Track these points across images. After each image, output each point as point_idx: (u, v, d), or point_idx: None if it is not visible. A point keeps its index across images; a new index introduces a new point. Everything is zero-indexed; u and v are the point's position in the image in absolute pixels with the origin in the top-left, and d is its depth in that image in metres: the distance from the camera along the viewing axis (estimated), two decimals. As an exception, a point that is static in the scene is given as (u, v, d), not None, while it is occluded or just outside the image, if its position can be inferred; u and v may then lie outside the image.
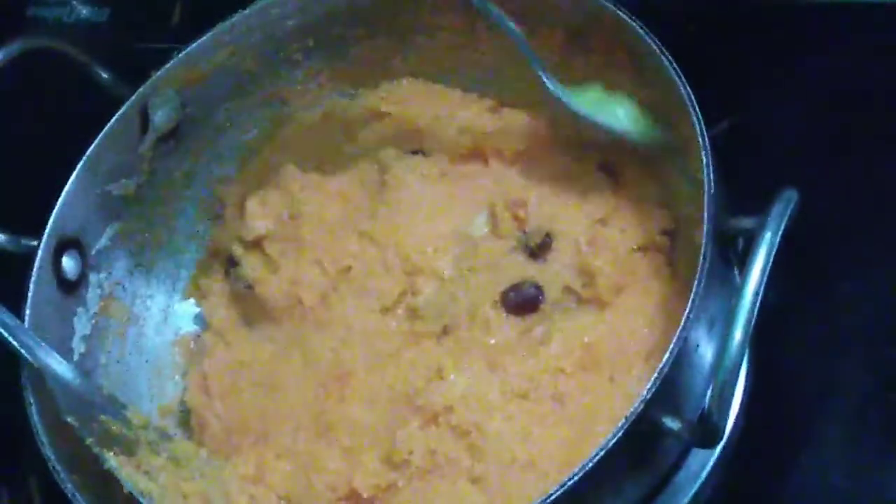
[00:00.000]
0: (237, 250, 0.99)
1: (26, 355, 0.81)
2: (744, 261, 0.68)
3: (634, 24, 0.84)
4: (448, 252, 0.92)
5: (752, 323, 0.66)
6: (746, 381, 0.87)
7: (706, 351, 0.76)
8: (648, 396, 0.68)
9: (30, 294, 0.86)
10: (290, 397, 0.90)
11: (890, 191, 0.92)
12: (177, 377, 0.98)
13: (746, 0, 1.00)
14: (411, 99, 1.01)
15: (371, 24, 1.00)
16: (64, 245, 0.90)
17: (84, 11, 1.21)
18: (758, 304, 0.66)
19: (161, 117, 0.95)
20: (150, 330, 0.99)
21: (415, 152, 0.99)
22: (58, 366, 0.81)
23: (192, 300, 1.02)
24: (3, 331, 0.81)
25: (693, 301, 0.71)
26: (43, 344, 0.82)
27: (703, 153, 0.76)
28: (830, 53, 0.97)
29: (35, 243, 0.88)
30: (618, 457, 0.68)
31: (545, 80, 0.86)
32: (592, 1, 0.87)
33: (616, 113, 0.87)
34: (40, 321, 0.85)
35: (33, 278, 0.86)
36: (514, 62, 0.99)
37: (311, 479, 0.86)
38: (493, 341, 0.88)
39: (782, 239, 0.68)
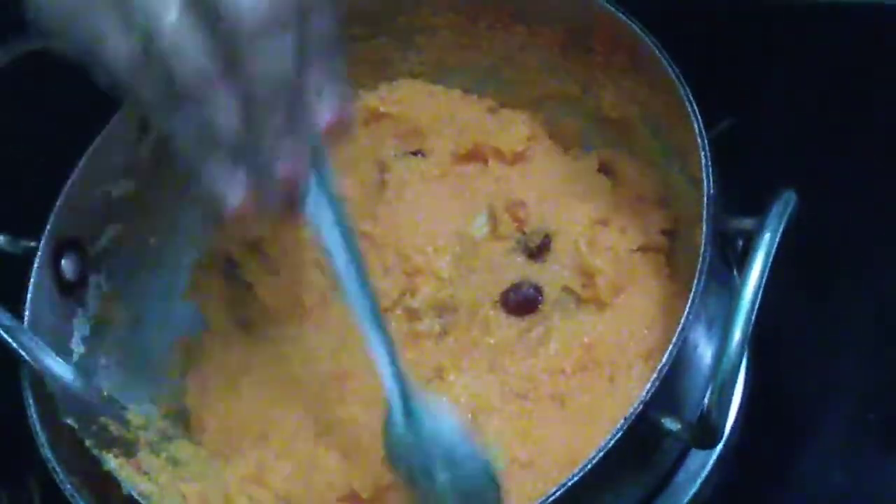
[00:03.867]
0: (237, 251, 0.99)
1: (26, 356, 0.81)
2: (743, 261, 0.68)
3: (634, 24, 0.84)
4: (448, 252, 0.92)
5: (752, 323, 0.66)
6: (746, 381, 0.87)
7: (705, 351, 0.76)
8: (648, 397, 0.69)
9: (29, 295, 0.86)
10: (289, 398, 0.90)
11: (890, 191, 0.92)
12: (176, 378, 0.98)
13: (746, 0, 1.00)
14: (411, 99, 1.01)
15: (371, 24, 1.00)
16: (63, 246, 0.90)
17: (84, 12, 1.21)
18: (757, 305, 0.66)
19: (161, 118, 0.95)
20: (149, 331, 0.99)
21: (415, 152, 0.99)
22: (57, 367, 0.82)
23: (191, 301, 1.02)
24: (2, 332, 0.81)
25: (692, 301, 0.71)
26: (42, 345, 0.82)
27: (702, 154, 0.76)
28: (830, 53, 0.97)
29: (34, 244, 0.88)
30: (618, 457, 0.68)
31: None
32: (592, 1, 0.87)
33: None
34: (40, 322, 0.85)
35: (33, 279, 0.86)
36: (514, 62, 0.99)
37: (311, 479, 0.86)
38: (492, 341, 0.88)
39: (782, 239, 0.68)
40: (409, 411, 0.78)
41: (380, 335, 0.76)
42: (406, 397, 0.78)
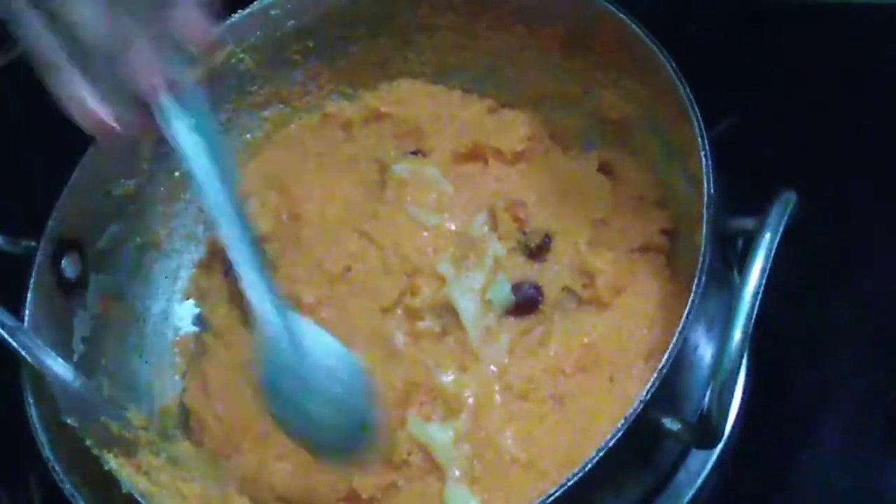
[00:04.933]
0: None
1: (26, 356, 0.81)
2: (743, 261, 0.68)
3: (634, 24, 0.84)
4: (448, 252, 0.92)
5: (752, 323, 0.66)
6: (746, 381, 0.87)
7: (706, 351, 0.76)
8: (648, 397, 0.69)
9: (29, 295, 0.86)
10: (289, 398, 0.90)
11: (890, 191, 0.92)
12: (176, 378, 0.98)
13: (746, 0, 1.00)
14: (411, 99, 1.01)
15: (371, 24, 1.00)
16: (63, 246, 0.90)
17: (84, 12, 1.21)
18: (757, 305, 0.66)
19: (161, 118, 0.95)
20: (149, 330, 0.99)
21: (415, 152, 0.99)
22: (57, 367, 0.81)
23: (191, 301, 1.02)
24: (2, 332, 0.81)
25: (692, 301, 0.71)
26: (42, 345, 0.82)
27: (702, 154, 0.76)
28: (830, 53, 0.97)
29: (34, 244, 0.88)
30: (618, 457, 0.68)
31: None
32: (593, 1, 0.87)
33: None
34: (40, 322, 0.85)
35: (33, 279, 0.86)
36: (514, 62, 0.99)
37: (311, 479, 0.86)
38: (493, 342, 0.88)
39: (782, 239, 0.68)
40: (291, 336, 0.74)
41: (251, 262, 0.73)
42: (287, 323, 0.74)
